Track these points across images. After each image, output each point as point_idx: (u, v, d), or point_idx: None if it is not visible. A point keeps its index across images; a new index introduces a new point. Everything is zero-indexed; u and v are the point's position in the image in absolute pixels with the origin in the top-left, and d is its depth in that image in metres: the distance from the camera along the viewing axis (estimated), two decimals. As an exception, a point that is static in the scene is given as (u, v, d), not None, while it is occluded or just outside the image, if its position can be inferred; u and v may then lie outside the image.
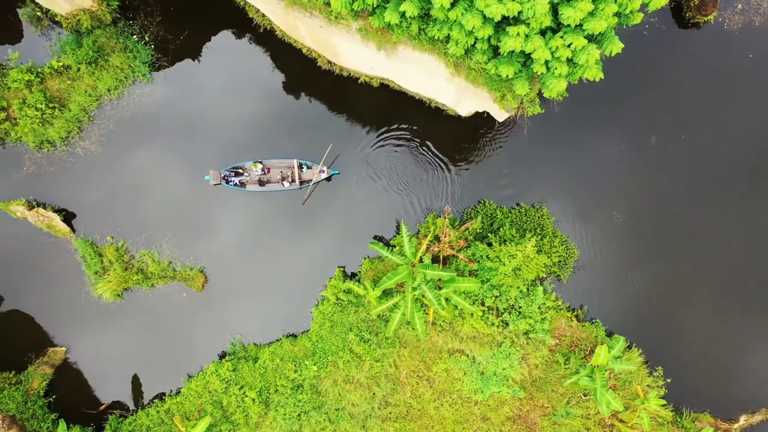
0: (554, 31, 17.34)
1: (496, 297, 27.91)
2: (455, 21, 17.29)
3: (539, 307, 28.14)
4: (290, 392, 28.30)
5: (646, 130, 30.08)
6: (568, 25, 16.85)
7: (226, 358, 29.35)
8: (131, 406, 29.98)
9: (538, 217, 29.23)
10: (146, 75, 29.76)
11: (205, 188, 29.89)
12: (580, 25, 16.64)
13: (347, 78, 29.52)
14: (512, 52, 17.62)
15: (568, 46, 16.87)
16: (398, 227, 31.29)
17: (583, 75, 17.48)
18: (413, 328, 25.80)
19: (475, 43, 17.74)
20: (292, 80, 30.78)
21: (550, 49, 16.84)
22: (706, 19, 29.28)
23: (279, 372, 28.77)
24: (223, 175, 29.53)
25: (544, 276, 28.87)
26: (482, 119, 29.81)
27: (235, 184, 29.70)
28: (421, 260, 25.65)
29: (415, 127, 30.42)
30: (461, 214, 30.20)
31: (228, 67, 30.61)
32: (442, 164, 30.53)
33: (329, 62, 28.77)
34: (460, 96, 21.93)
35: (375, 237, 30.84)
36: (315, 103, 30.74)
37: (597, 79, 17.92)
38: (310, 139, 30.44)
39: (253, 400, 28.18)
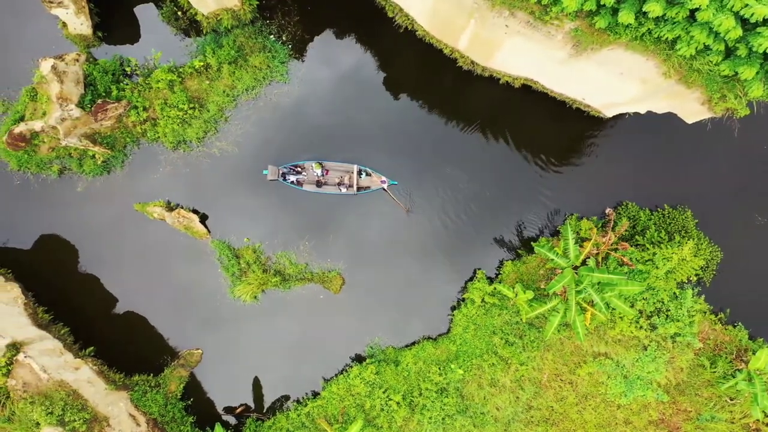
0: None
1: (645, 300, 27.63)
2: (699, 22, 17.03)
3: (687, 311, 27.85)
4: (435, 396, 28.02)
5: (787, 130, 29.78)
6: (821, 26, 16.58)
7: (367, 361, 29.07)
8: (266, 409, 29.75)
9: (682, 219, 28.92)
10: (284, 75, 29.44)
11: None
12: (835, 26, 16.38)
13: (487, 78, 29.14)
14: (752, 52, 17.35)
15: (821, 47, 16.63)
16: (518, 230, 31.08)
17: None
18: (576, 332, 25.52)
19: (710, 44, 17.48)
20: (422, 80, 30.54)
21: (802, 50, 16.60)
22: None
23: (423, 375, 28.48)
24: (281, 172, 29.20)
25: (692, 279, 28.56)
26: (624, 120, 29.61)
27: (292, 182, 29.38)
28: (584, 263, 25.43)
29: (548, 129, 30.20)
30: (601, 215, 29.87)
31: (360, 67, 30.30)
32: (575, 163, 30.28)
33: (472, 63, 28.42)
34: (649, 97, 21.63)
35: (495, 239, 30.65)
36: (438, 104, 30.48)
37: (831, 82, 17.66)
38: (414, 141, 30.25)
39: (398, 403, 27.90)
